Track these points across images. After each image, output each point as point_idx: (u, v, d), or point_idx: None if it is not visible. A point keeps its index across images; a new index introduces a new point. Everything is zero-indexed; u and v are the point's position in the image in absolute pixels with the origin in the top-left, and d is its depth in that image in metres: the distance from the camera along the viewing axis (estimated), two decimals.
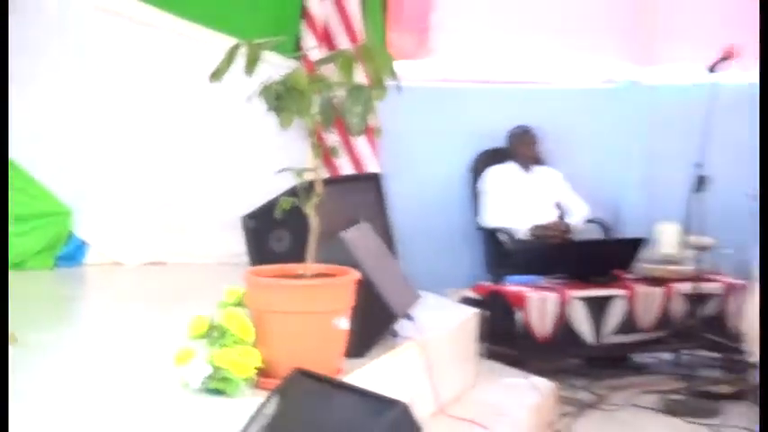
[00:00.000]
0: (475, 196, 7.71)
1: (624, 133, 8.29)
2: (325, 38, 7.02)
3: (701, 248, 6.65)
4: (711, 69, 6.30)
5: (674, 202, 6.46)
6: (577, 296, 6.77)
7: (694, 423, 6.14)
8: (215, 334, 4.07)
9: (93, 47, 6.41)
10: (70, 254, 6.46)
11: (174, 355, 4.10)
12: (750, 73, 6.57)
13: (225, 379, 4.02)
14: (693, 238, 6.52)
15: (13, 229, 5.98)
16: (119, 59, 6.60)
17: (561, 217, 7.62)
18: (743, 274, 7.36)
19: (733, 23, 6.91)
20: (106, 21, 6.54)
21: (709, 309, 6.90)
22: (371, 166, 7.05)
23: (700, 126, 6.20)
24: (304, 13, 6.97)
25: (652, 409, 6.42)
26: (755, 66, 6.23)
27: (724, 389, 6.57)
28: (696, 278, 6.70)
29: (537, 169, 7.73)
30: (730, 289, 6.99)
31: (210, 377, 4.02)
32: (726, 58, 6.26)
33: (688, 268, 6.80)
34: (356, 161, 7.02)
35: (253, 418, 3.80)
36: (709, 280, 6.89)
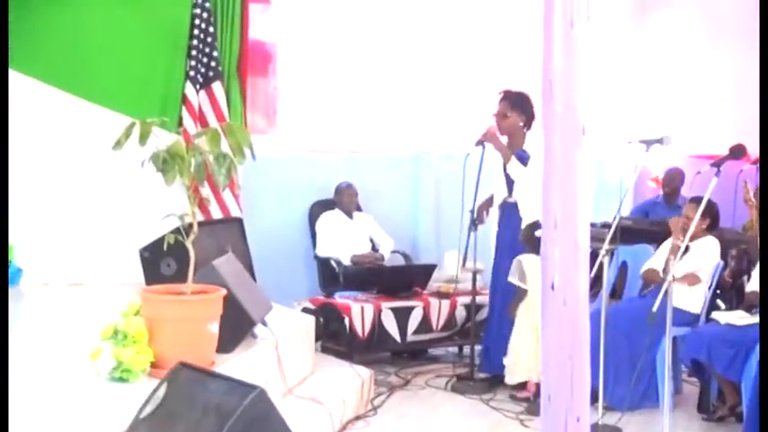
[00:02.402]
0: (312, 234, 7.66)
1: (419, 188, 8.32)
2: (200, 117, 6.97)
3: (476, 272, 6.61)
4: (478, 144, 6.34)
5: (455, 238, 6.47)
6: (388, 306, 6.83)
7: (473, 398, 6.20)
8: (119, 336, 4.05)
9: (25, 121, 6.39)
10: (11, 277, 6.34)
11: (88, 352, 4.08)
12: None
13: (126, 370, 4.01)
14: (470, 264, 6.52)
15: None
16: (48, 132, 6.61)
17: (374, 249, 7.70)
18: None
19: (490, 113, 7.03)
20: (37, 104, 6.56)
21: (482, 315, 6.91)
22: (235, 212, 7.00)
23: (472, 183, 6.26)
24: (183, 99, 6.94)
25: (443, 389, 6.44)
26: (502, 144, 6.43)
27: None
28: (472, 293, 6.69)
29: (356, 214, 7.71)
30: None
31: (115, 369, 4.01)
32: (486, 137, 6.31)
33: (466, 286, 6.78)
34: (223, 208, 6.95)
35: (148, 400, 3.79)
36: (481, 294, 6.87)
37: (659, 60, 8.87)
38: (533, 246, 5.84)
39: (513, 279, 6.12)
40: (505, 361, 6.21)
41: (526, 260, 6.00)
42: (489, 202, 6.55)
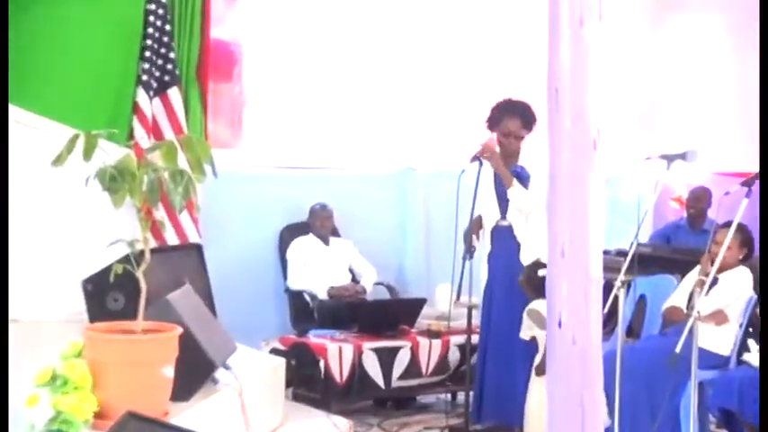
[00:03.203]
0: (282, 263, 7.66)
1: (406, 210, 8.36)
2: (153, 128, 6.97)
3: (471, 307, 6.57)
4: (474, 159, 6.32)
5: (447, 267, 6.44)
6: (370, 347, 6.83)
7: None
8: (58, 382, 4.02)
9: None
10: None
11: (23, 400, 4.05)
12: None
13: (66, 421, 3.97)
14: (464, 298, 6.52)
15: None
16: None
17: (354, 280, 7.69)
18: None
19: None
20: None
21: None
22: (193, 238, 6.99)
23: (467, 205, 6.28)
24: (135, 107, 6.94)
25: None
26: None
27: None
28: (467, 331, 6.66)
29: (333, 240, 7.73)
30: None
31: (53, 419, 3.98)
32: (483, 153, 6.30)
33: (461, 323, 6.77)
34: (180, 233, 6.94)
35: None
36: (477, 333, 6.86)
37: (681, 65, 8.93)
38: (535, 289, 5.85)
39: (528, 333, 6.09)
40: (527, 419, 6.17)
41: (539, 306, 5.96)
42: (478, 223, 6.53)
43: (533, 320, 6.04)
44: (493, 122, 6.47)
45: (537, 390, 6.04)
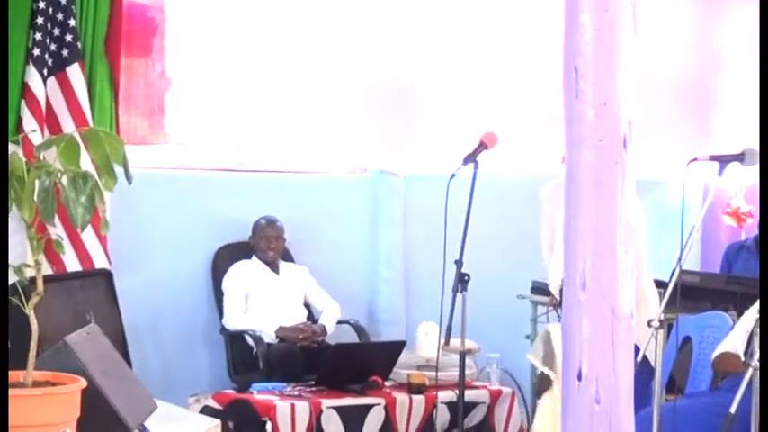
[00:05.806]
0: (217, 295, 7.68)
1: (379, 225, 8.37)
2: (48, 119, 6.96)
3: (464, 352, 6.57)
4: (470, 159, 6.14)
5: (432, 302, 6.38)
6: (331, 405, 6.83)
7: None
8: None
9: None
10: None
11: None
12: (508, 164, 6.74)
13: None
14: (455, 341, 6.54)
15: None
16: None
17: (312, 318, 7.71)
18: (509, 381, 7.56)
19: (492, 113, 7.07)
20: None
21: (475, 418, 6.98)
22: (100, 262, 6.98)
23: (459, 220, 6.26)
24: (24, 90, 6.91)
25: None
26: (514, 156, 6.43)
27: None
28: (460, 385, 6.41)
29: (284, 266, 7.76)
30: (496, 397, 7.11)
31: None
32: (484, 146, 6.17)
33: (450, 374, 6.76)
34: (83, 256, 6.92)
35: None
36: (473, 387, 6.94)
37: (740, 49, 8.99)
38: None
39: (533, 358, 6.14)
40: None
41: (558, 332, 5.98)
42: None
43: (540, 343, 6.10)
44: None
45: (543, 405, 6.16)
